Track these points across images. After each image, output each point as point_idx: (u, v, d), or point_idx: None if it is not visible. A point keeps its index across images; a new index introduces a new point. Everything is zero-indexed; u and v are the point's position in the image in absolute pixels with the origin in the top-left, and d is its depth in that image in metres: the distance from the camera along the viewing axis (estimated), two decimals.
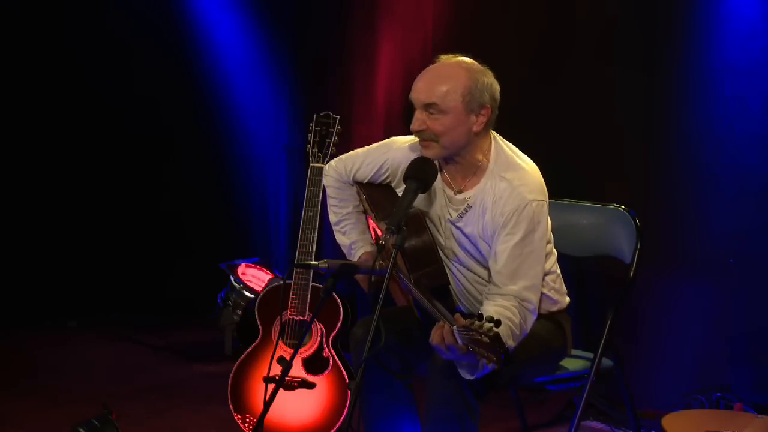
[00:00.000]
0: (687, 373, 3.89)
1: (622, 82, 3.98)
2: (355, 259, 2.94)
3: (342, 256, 3.04)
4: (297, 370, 3.49)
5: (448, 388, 2.52)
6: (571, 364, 2.92)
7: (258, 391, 3.49)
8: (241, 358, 3.57)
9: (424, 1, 4.65)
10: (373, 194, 2.88)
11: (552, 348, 2.81)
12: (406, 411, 2.83)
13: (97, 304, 5.57)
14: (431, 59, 2.68)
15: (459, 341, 2.27)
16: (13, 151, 5.45)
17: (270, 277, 4.90)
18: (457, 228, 2.69)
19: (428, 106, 2.57)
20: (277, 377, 2.65)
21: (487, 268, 2.66)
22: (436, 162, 2.68)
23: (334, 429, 3.51)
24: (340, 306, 3.55)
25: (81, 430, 3.36)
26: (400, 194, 2.73)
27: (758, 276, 3.79)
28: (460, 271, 2.75)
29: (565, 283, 2.86)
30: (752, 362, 3.83)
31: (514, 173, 2.62)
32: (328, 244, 4.54)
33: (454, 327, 2.27)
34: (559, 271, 2.83)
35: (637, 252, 2.97)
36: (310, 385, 3.49)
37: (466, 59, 2.63)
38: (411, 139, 2.81)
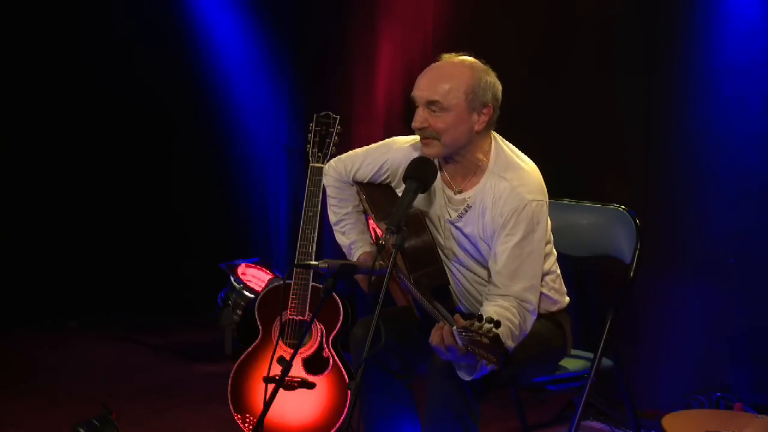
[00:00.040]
0: (687, 373, 3.89)
1: (622, 82, 3.98)
2: (355, 259, 2.94)
3: (342, 256, 3.04)
4: (297, 370, 3.49)
5: (448, 389, 2.52)
6: (571, 364, 2.92)
7: (258, 391, 3.49)
8: (241, 358, 3.57)
9: (424, 1, 4.65)
10: (373, 194, 2.88)
11: (552, 348, 2.80)
12: (406, 411, 2.83)
13: (97, 304, 5.57)
14: (431, 59, 2.68)
15: (459, 342, 2.27)
16: (13, 151, 5.45)
17: (270, 277, 4.90)
18: (457, 228, 2.69)
19: (430, 104, 2.57)
20: (277, 377, 2.65)
21: (487, 269, 2.66)
22: (435, 162, 2.68)
23: (334, 429, 3.51)
24: (340, 306, 3.55)
25: (81, 430, 3.36)
26: (400, 194, 2.73)
27: (758, 276, 3.79)
28: (459, 272, 2.75)
29: (565, 283, 2.86)
30: (752, 362, 3.83)
31: (514, 173, 2.62)
32: (328, 244, 4.54)
33: (454, 328, 2.26)
34: (558, 271, 2.83)
35: (637, 252, 2.97)
36: (310, 385, 3.49)
37: (469, 58, 2.64)
38: (411, 139, 2.81)
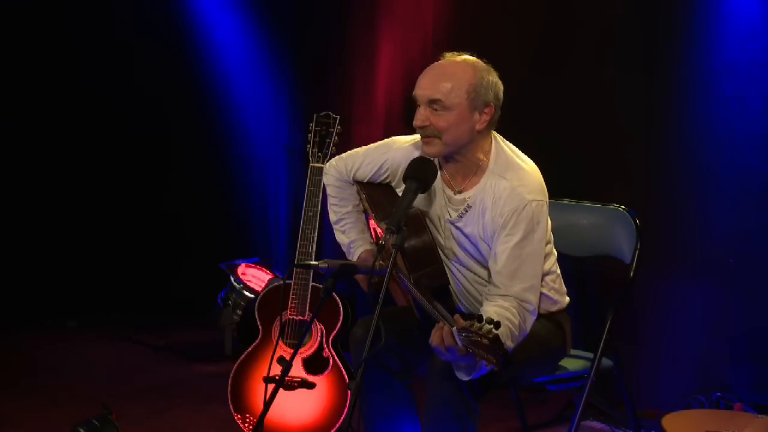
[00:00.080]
0: (687, 373, 3.89)
1: (622, 82, 3.98)
2: (355, 258, 2.94)
3: (342, 255, 3.04)
4: (297, 370, 3.49)
5: (447, 389, 2.52)
6: (571, 364, 2.92)
7: (258, 391, 3.49)
8: (241, 358, 3.57)
9: (424, 1, 4.65)
10: (373, 194, 2.88)
11: (552, 348, 2.80)
12: (406, 411, 2.83)
13: (97, 304, 5.57)
14: (431, 59, 2.68)
15: (458, 342, 2.27)
16: (13, 152, 5.45)
17: (270, 277, 4.90)
18: (457, 228, 2.69)
19: (432, 103, 2.57)
20: (277, 377, 2.65)
21: (487, 269, 2.66)
22: (436, 162, 2.68)
23: (334, 429, 3.51)
24: (340, 306, 3.55)
25: (81, 430, 3.36)
26: (400, 194, 2.73)
27: (758, 276, 3.79)
28: (459, 272, 2.75)
29: (565, 283, 2.86)
30: (752, 362, 3.83)
31: (514, 173, 2.62)
32: (328, 244, 4.54)
33: (454, 328, 2.26)
34: (559, 272, 2.83)
35: (637, 252, 2.97)
36: (310, 385, 3.49)
37: (471, 57, 2.64)
38: (411, 138, 2.81)
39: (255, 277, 4.88)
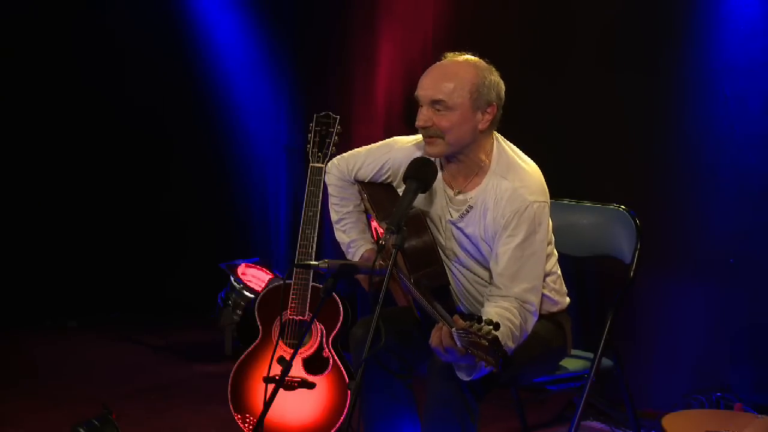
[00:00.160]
0: (687, 373, 3.89)
1: (622, 82, 3.98)
2: (356, 258, 2.94)
3: (342, 255, 3.04)
4: (297, 370, 3.49)
5: (447, 389, 2.52)
6: (571, 364, 2.92)
7: (258, 391, 3.49)
8: (241, 358, 3.57)
9: (424, 1, 4.65)
10: (375, 194, 2.88)
11: (552, 348, 2.80)
12: (406, 411, 2.83)
13: (97, 304, 5.57)
14: (431, 59, 2.68)
15: (458, 343, 2.27)
16: (13, 152, 5.45)
17: (270, 277, 4.90)
18: (458, 228, 2.69)
19: (435, 103, 2.57)
20: (277, 377, 2.65)
21: (488, 269, 2.66)
22: (437, 162, 2.68)
23: (334, 429, 3.51)
24: (340, 306, 3.55)
25: (81, 430, 3.36)
26: (401, 194, 2.73)
27: (758, 276, 3.79)
28: (460, 272, 2.75)
29: (565, 284, 2.86)
30: (752, 362, 3.83)
31: (516, 174, 2.62)
32: (328, 244, 4.55)
33: (453, 329, 2.26)
34: (559, 272, 2.83)
35: (637, 252, 2.97)
36: (310, 385, 3.49)
37: (473, 57, 2.64)
38: (413, 138, 2.81)
39: (255, 277, 4.88)
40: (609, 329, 2.89)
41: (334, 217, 3.03)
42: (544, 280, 2.68)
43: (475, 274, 2.73)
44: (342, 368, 3.50)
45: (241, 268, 4.89)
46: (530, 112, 3.92)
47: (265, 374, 3.30)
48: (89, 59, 5.47)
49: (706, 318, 3.89)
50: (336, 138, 3.63)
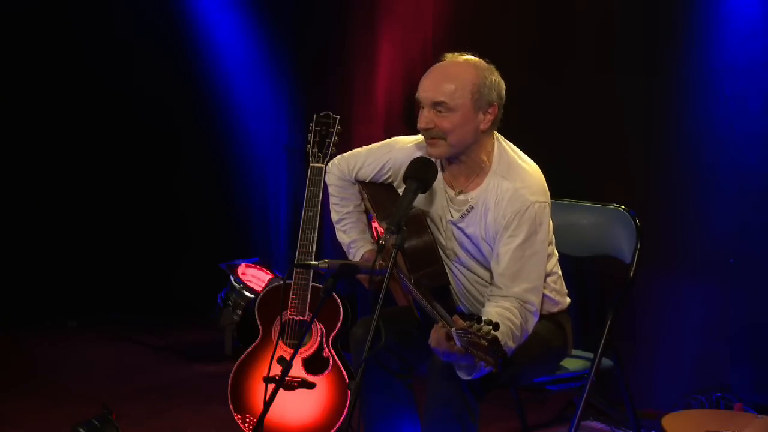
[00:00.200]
0: (687, 373, 3.89)
1: (622, 82, 3.98)
2: (356, 259, 2.94)
3: (342, 255, 3.04)
4: (297, 370, 3.49)
5: (447, 389, 2.52)
6: (571, 364, 2.92)
7: (258, 391, 3.49)
8: (241, 358, 3.57)
9: (424, 1, 4.65)
10: (376, 194, 2.88)
11: (552, 348, 2.81)
12: (406, 411, 2.83)
13: (97, 304, 5.57)
14: (431, 59, 2.68)
15: (457, 343, 2.27)
16: (13, 152, 5.45)
17: (270, 277, 4.90)
18: (459, 228, 2.69)
19: (436, 105, 2.57)
20: (277, 377, 2.65)
21: (488, 269, 2.66)
22: (438, 162, 2.68)
23: (334, 429, 3.51)
24: (340, 306, 3.55)
25: (81, 430, 3.36)
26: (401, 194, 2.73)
27: (758, 276, 3.79)
28: (461, 272, 2.75)
29: (565, 284, 2.86)
30: (752, 362, 3.83)
31: (517, 175, 2.62)
32: (328, 244, 4.55)
33: (453, 329, 2.26)
34: (560, 272, 2.83)
35: (637, 252, 2.97)
36: (310, 385, 3.49)
37: (473, 57, 2.63)
38: (414, 139, 2.81)
39: (255, 277, 4.88)
40: (609, 329, 2.89)
41: (334, 216, 3.04)
42: (544, 281, 2.68)
43: (475, 274, 2.73)
44: (342, 368, 3.50)
45: (241, 268, 4.89)
46: (530, 112, 3.92)
47: (265, 374, 3.30)
48: (89, 59, 5.46)
49: (706, 318, 3.89)
50: (336, 138, 3.63)
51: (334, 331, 3.53)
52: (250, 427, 3.52)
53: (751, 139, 3.78)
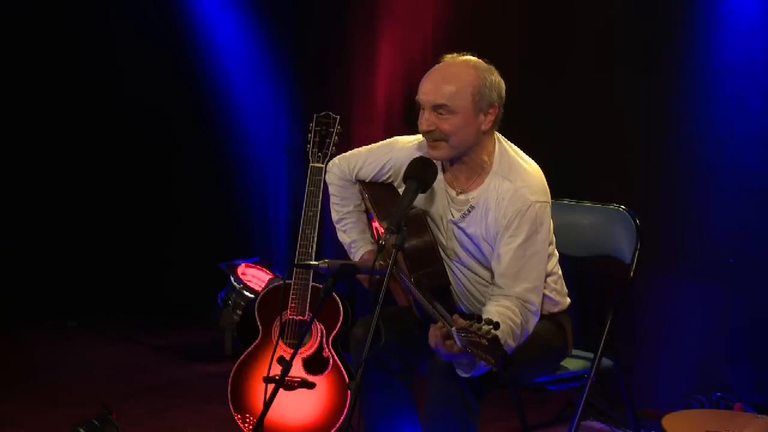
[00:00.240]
0: (687, 373, 3.89)
1: (622, 82, 3.98)
2: (356, 259, 2.94)
3: (342, 255, 3.04)
4: (297, 370, 3.49)
5: (448, 389, 2.52)
6: (571, 364, 2.92)
7: (258, 391, 3.49)
8: (241, 358, 3.57)
9: (424, 1, 4.65)
10: (376, 193, 2.88)
11: (552, 348, 2.81)
12: (406, 411, 2.83)
13: (97, 304, 5.57)
14: (431, 59, 2.68)
15: (458, 343, 2.27)
16: (13, 152, 5.45)
17: (270, 277, 4.90)
18: (460, 228, 2.69)
19: (437, 107, 2.57)
20: (277, 377, 2.65)
21: (489, 269, 2.66)
22: (439, 162, 2.68)
23: (334, 429, 3.51)
24: (340, 306, 3.55)
25: (81, 430, 3.36)
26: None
27: (758, 276, 3.79)
28: (461, 272, 2.75)
29: (565, 284, 2.86)
30: (752, 362, 3.83)
31: (518, 175, 2.62)
32: (328, 244, 4.55)
33: (453, 328, 2.26)
34: (560, 273, 2.83)
35: (637, 252, 2.97)
36: (310, 385, 3.49)
37: (472, 58, 2.63)
38: (414, 138, 2.81)
39: (255, 277, 4.88)
40: (609, 329, 2.89)
41: (334, 216, 3.04)
42: (545, 281, 2.68)
43: (476, 274, 2.73)
44: (342, 368, 3.50)
45: (241, 268, 4.89)
46: (530, 112, 3.92)
47: (265, 374, 3.30)
48: (88, 59, 5.46)
49: (705, 318, 3.89)
50: (336, 138, 3.63)
51: (334, 331, 3.53)
52: (250, 427, 3.52)
53: (751, 139, 3.78)
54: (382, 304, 2.34)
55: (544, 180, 2.66)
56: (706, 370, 3.86)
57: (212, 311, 4.95)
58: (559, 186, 2.87)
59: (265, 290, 3.78)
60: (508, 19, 4.34)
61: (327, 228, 4.11)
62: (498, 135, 2.70)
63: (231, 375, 3.55)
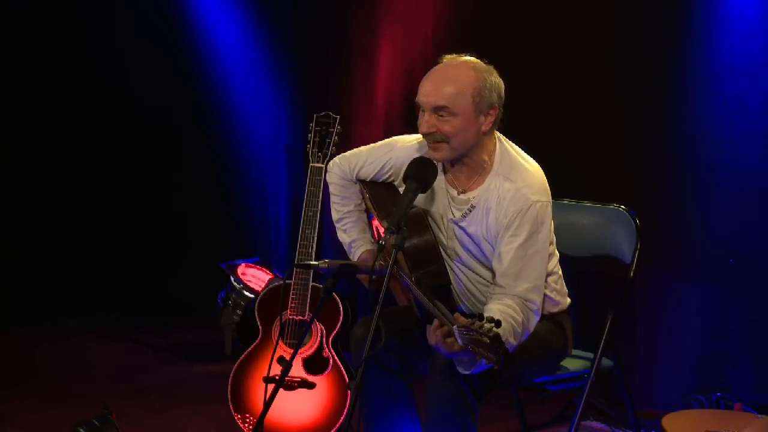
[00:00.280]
0: (687, 373, 3.89)
1: (622, 82, 3.98)
2: (356, 258, 2.94)
3: (342, 255, 3.04)
4: (297, 370, 3.49)
5: (448, 388, 2.52)
6: (571, 364, 2.92)
7: (258, 391, 3.49)
8: (241, 358, 3.57)
9: (424, 1, 4.65)
10: (377, 193, 2.88)
11: (552, 348, 2.81)
12: (406, 411, 2.83)
13: (97, 304, 5.57)
14: (431, 59, 2.68)
15: (459, 341, 2.27)
16: (13, 152, 5.45)
17: (270, 277, 4.90)
18: (461, 228, 2.69)
19: (438, 109, 2.57)
20: (277, 377, 2.65)
21: (490, 269, 2.66)
22: (439, 162, 2.68)
23: (334, 429, 3.51)
24: (340, 306, 3.55)
25: (81, 430, 3.36)
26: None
27: (758, 276, 3.79)
28: (462, 271, 2.75)
29: (565, 284, 2.86)
30: (752, 362, 3.83)
31: (518, 174, 2.62)
32: (328, 244, 4.55)
33: (455, 327, 2.26)
34: (560, 272, 2.83)
35: (637, 252, 2.97)
36: (310, 385, 3.49)
37: (471, 59, 2.63)
38: (414, 138, 2.81)
39: (255, 277, 4.88)
40: (609, 329, 2.89)
41: (335, 216, 3.03)
42: (545, 280, 2.68)
43: (476, 273, 2.73)
44: (342, 368, 3.50)
45: (241, 268, 4.89)
46: (530, 112, 3.92)
47: (265, 374, 3.30)
48: (89, 59, 5.46)
49: (705, 318, 3.89)
50: (336, 138, 3.63)
51: (334, 331, 3.53)
52: (250, 427, 3.52)
53: (751, 139, 3.78)
54: (382, 304, 2.34)
55: (545, 179, 2.66)
56: (706, 370, 3.86)
57: (212, 311, 4.95)
58: (559, 186, 2.87)
59: (265, 290, 3.78)
60: (508, 19, 4.34)
61: (327, 228, 4.11)
62: (498, 135, 2.70)
63: (231, 375, 3.55)
